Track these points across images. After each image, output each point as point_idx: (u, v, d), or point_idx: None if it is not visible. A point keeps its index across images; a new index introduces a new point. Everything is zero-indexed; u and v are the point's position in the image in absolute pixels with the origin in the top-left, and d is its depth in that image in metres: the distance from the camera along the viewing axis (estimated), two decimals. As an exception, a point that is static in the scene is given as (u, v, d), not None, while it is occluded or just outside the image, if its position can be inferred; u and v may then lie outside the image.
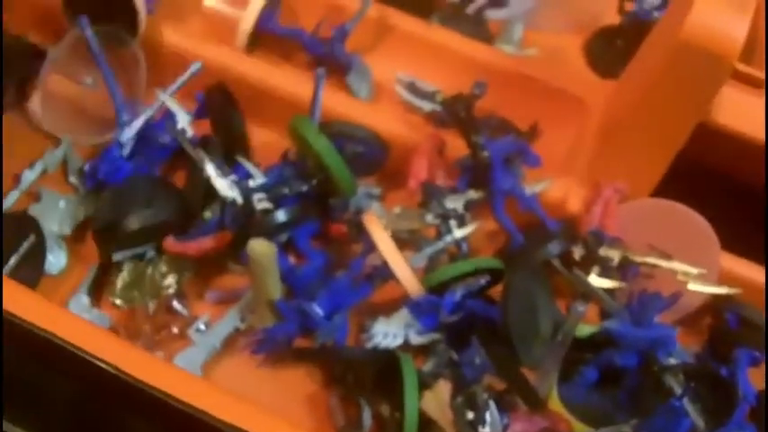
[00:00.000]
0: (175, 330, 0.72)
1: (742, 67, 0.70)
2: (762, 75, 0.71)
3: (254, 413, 0.63)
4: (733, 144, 0.80)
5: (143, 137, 0.78)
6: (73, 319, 0.67)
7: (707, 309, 0.81)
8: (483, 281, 0.72)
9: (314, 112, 0.76)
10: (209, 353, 0.72)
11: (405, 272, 0.70)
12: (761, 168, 0.82)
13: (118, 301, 0.74)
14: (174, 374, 0.65)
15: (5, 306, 0.63)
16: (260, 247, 0.70)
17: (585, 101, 0.87)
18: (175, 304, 0.73)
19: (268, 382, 0.72)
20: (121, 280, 0.74)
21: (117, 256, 0.74)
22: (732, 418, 0.72)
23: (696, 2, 0.70)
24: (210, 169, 0.74)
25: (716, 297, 0.78)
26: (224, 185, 0.74)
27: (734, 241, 0.81)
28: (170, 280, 0.74)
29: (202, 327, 0.72)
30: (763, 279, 0.80)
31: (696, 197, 0.80)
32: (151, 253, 0.75)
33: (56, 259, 0.76)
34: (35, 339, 0.62)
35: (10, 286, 0.65)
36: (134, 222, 0.73)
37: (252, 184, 0.76)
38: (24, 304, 0.64)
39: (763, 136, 0.78)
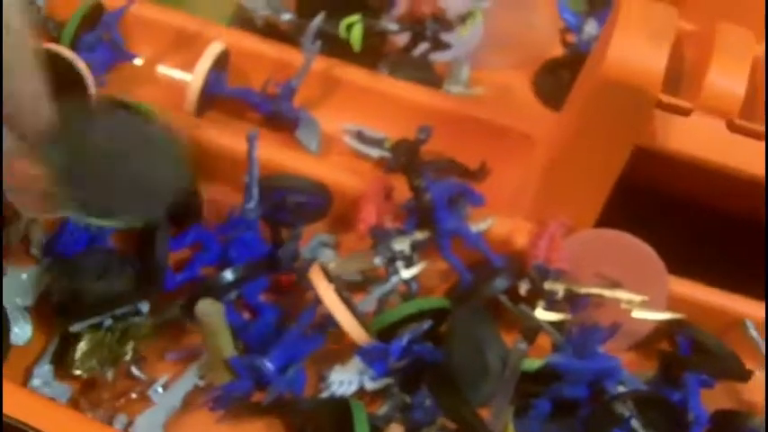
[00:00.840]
0: (134, 395, 0.74)
1: (666, 98, 0.72)
2: (687, 104, 0.72)
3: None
4: (677, 165, 0.82)
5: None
6: (27, 397, 0.69)
7: (663, 333, 0.82)
8: (425, 325, 0.73)
9: (251, 172, 0.78)
10: (168, 412, 0.73)
11: (349, 322, 0.72)
12: (709, 188, 0.84)
13: (77, 371, 0.75)
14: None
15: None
16: (207, 308, 0.72)
17: (532, 136, 0.89)
18: (133, 370, 0.75)
19: (228, 437, 0.75)
20: (80, 350, 0.76)
21: (75, 327, 0.75)
22: (685, 441, 0.73)
23: (614, 37, 0.72)
24: None
25: (669, 322, 0.80)
26: None
27: (689, 262, 0.84)
28: (127, 347, 0.76)
29: (160, 389, 0.74)
30: (715, 299, 0.82)
31: (646, 220, 0.82)
32: (108, 321, 0.76)
33: (21, 330, 0.77)
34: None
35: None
36: (91, 294, 0.75)
37: None
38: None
39: (705, 154, 0.79)
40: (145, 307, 0.78)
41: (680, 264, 0.82)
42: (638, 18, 0.72)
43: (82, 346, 0.77)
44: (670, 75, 0.74)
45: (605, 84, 0.72)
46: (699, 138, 0.78)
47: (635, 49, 0.71)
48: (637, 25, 0.72)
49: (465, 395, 0.71)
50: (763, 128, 0.72)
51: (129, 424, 0.73)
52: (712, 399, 0.78)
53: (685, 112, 0.73)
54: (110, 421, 0.73)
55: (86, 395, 0.75)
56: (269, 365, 0.72)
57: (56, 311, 0.77)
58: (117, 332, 0.77)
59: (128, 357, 0.76)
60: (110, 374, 0.75)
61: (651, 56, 0.71)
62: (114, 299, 0.77)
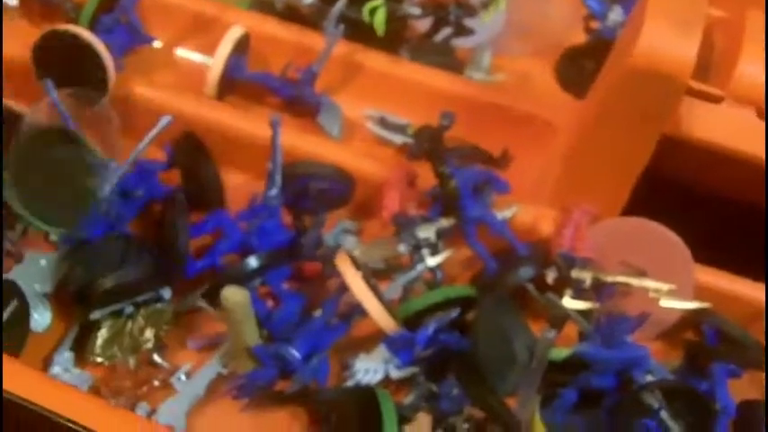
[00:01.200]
0: (157, 383, 0.73)
1: (696, 85, 0.71)
2: (718, 91, 0.72)
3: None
4: (704, 155, 0.81)
5: (118, 191, 0.80)
6: (49, 384, 0.69)
7: (688, 322, 0.82)
8: (453, 314, 0.73)
9: (274, 158, 0.77)
10: (191, 401, 0.73)
11: (377, 310, 0.71)
12: (736, 178, 0.84)
13: (99, 359, 0.75)
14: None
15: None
16: (233, 296, 0.71)
17: (554, 124, 0.88)
18: (155, 357, 0.75)
19: (252, 426, 0.74)
20: (101, 337, 0.75)
21: (95, 315, 0.75)
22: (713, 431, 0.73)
23: (644, 25, 0.71)
24: None
25: (694, 311, 0.79)
26: None
27: (715, 253, 0.83)
28: (148, 334, 0.76)
29: (183, 376, 0.73)
30: (740, 288, 0.81)
31: (672, 211, 0.81)
32: (129, 309, 0.76)
33: (41, 317, 0.77)
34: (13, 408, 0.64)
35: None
36: (108, 282, 0.74)
37: None
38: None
39: (734, 144, 0.79)
40: (167, 293, 0.78)
41: (706, 253, 0.81)
42: (668, 6, 0.71)
43: (102, 334, 0.76)
44: (700, 62, 0.74)
45: (635, 72, 0.71)
46: (727, 127, 0.78)
47: (665, 37, 0.70)
48: (666, 13, 0.71)
49: (492, 384, 0.71)
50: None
51: (152, 412, 0.72)
52: (738, 389, 0.78)
53: (716, 100, 0.72)
54: (132, 409, 0.72)
55: (108, 383, 0.74)
56: (295, 354, 0.72)
57: (74, 299, 0.76)
58: (139, 319, 0.77)
59: (149, 345, 0.76)
60: (132, 362, 0.75)
61: (682, 44, 0.70)
62: (133, 286, 0.76)
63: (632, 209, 0.81)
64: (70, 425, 0.63)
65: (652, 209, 0.80)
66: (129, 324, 0.76)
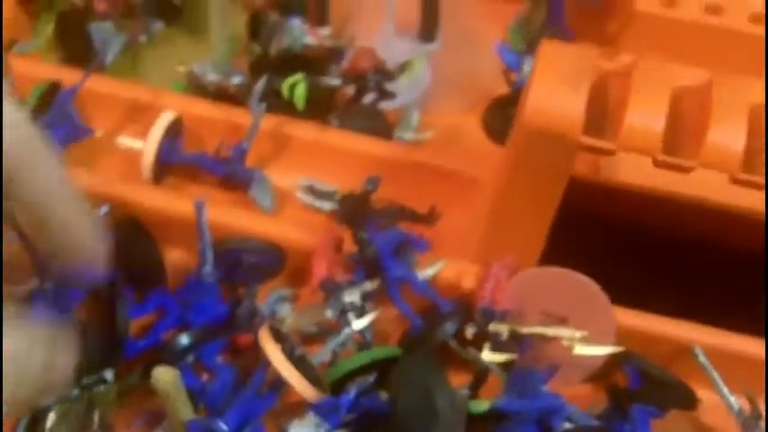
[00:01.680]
0: (103, 465, 0.77)
1: (587, 141, 0.73)
2: (611, 144, 0.74)
3: None
4: (628, 196, 0.83)
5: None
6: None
7: (614, 366, 0.83)
8: (371, 378, 0.76)
9: (202, 237, 0.81)
10: (136, 479, 0.77)
11: (297, 381, 0.74)
12: (658, 216, 0.86)
13: (48, 443, 0.79)
14: None
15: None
16: (162, 376, 0.75)
17: (479, 178, 0.91)
18: (104, 439, 0.78)
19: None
20: (50, 420, 0.78)
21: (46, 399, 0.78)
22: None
23: (533, 85, 0.74)
24: None
25: (618, 354, 0.81)
26: None
27: (646, 291, 0.85)
28: (95, 416, 0.78)
29: (127, 457, 0.77)
30: (663, 327, 0.83)
31: (596, 252, 0.83)
32: (75, 391, 0.79)
33: (-8, 408, 0.82)
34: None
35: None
36: None
37: None
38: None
39: (637, 182, 0.81)
40: (109, 375, 0.80)
41: (630, 292, 0.83)
42: (555, 63, 0.74)
43: (51, 417, 0.80)
44: (596, 113, 0.76)
45: (528, 130, 0.74)
46: (631, 167, 0.81)
47: (552, 95, 0.73)
48: (553, 71, 0.74)
49: (415, 443, 0.74)
50: (688, 162, 0.74)
51: (100, 494, 0.76)
52: (667, 425, 0.79)
53: (608, 153, 0.75)
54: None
55: (57, 466, 0.78)
56: (223, 426, 0.75)
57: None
58: (84, 401, 0.80)
59: (95, 427, 0.79)
60: (79, 444, 0.79)
61: (569, 101, 0.72)
62: (80, 370, 0.79)
63: (553, 254, 0.83)
64: None
65: (573, 250, 0.82)
66: (76, 406, 0.80)
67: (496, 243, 0.83)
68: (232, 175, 0.92)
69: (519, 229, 0.81)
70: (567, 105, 0.73)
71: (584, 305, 0.81)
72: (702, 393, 0.79)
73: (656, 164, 0.74)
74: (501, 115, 0.98)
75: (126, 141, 0.96)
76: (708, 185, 0.80)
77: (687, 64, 0.77)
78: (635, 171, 0.82)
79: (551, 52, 0.75)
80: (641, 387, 0.79)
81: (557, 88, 0.73)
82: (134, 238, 0.87)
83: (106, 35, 1.02)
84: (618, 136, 0.73)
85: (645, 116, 0.73)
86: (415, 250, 0.84)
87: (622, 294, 0.82)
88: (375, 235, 0.83)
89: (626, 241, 0.88)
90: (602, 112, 0.78)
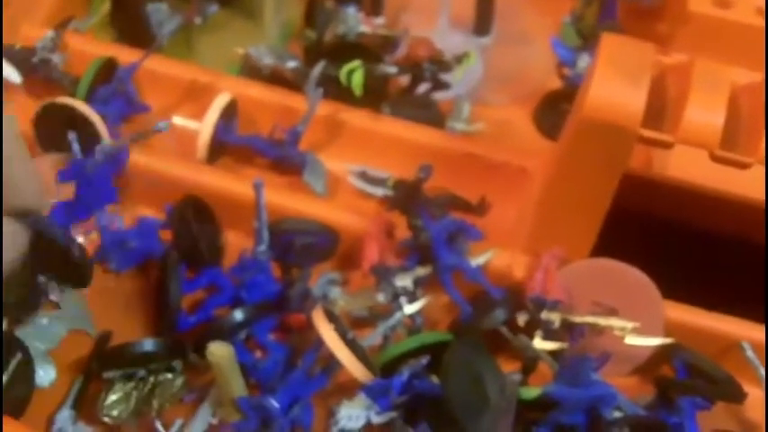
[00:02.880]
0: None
1: (647, 133, 0.74)
2: (670, 137, 0.75)
3: None
4: (677, 192, 0.84)
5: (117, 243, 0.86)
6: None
7: (662, 358, 0.84)
8: (424, 361, 0.76)
9: (259, 217, 0.82)
10: (186, 454, 0.77)
11: (350, 361, 0.74)
12: (708, 213, 0.87)
13: (105, 419, 0.79)
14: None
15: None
16: (218, 351, 0.76)
17: (529, 170, 0.92)
18: (157, 424, 0.78)
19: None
20: (110, 398, 0.79)
21: (108, 374, 0.79)
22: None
23: (594, 78, 0.75)
24: None
25: (667, 346, 0.82)
26: None
27: (692, 287, 0.86)
28: (155, 403, 0.79)
29: (176, 433, 0.78)
30: (711, 323, 0.84)
31: (644, 247, 0.84)
32: (141, 373, 0.80)
33: (45, 373, 0.82)
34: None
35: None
36: (138, 348, 0.79)
37: None
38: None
39: (692, 179, 0.82)
40: (178, 365, 0.81)
41: (677, 288, 0.84)
42: (617, 57, 0.75)
43: (112, 393, 0.80)
44: (654, 107, 0.77)
45: (587, 123, 0.75)
46: (684, 163, 0.82)
47: (613, 89, 0.74)
48: (615, 65, 0.75)
49: (465, 427, 0.74)
50: (744, 157, 0.75)
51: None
52: (713, 419, 0.80)
53: (667, 146, 0.76)
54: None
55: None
56: (274, 404, 0.76)
57: (96, 357, 0.81)
58: (148, 386, 0.81)
59: (154, 413, 0.79)
60: (133, 426, 0.79)
61: (629, 95, 0.74)
62: (150, 356, 0.80)
63: (603, 247, 0.84)
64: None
65: (622, 245, 0.83)
66: (139, 388, 0.80)
67: (547, 233, 0.84)
68: (285, 157, 0.93)
69: (570, 222, 0.82)
70: (628, 98, 0.74)
71: (634, 297, 0.81)
72: (747, 389, 0.79)
73: (714, 158, 0.75)
74: (553, 110, 0.99)
75: (180, 121, 0.97)
76: (756, 185, 0.81)
77: (737, 65, 0.79)
78: (686, 167, 0.83)
79: (612, 46, 0.77)
80: (689, 379, 0.80)
81: (618, 81, 0.74)
82: (196, 215, 0.87)
83: (162, 16, 1.04)
84: (677, 129, 0.74)
85: (705, 111, 0.74)
86: (467, 239, 0.85)
87: (668, 289, 0.83)
88: (429, 222, 0.84)
89: (671, 237, 0.89)
90: (660, 106, 0.79)
